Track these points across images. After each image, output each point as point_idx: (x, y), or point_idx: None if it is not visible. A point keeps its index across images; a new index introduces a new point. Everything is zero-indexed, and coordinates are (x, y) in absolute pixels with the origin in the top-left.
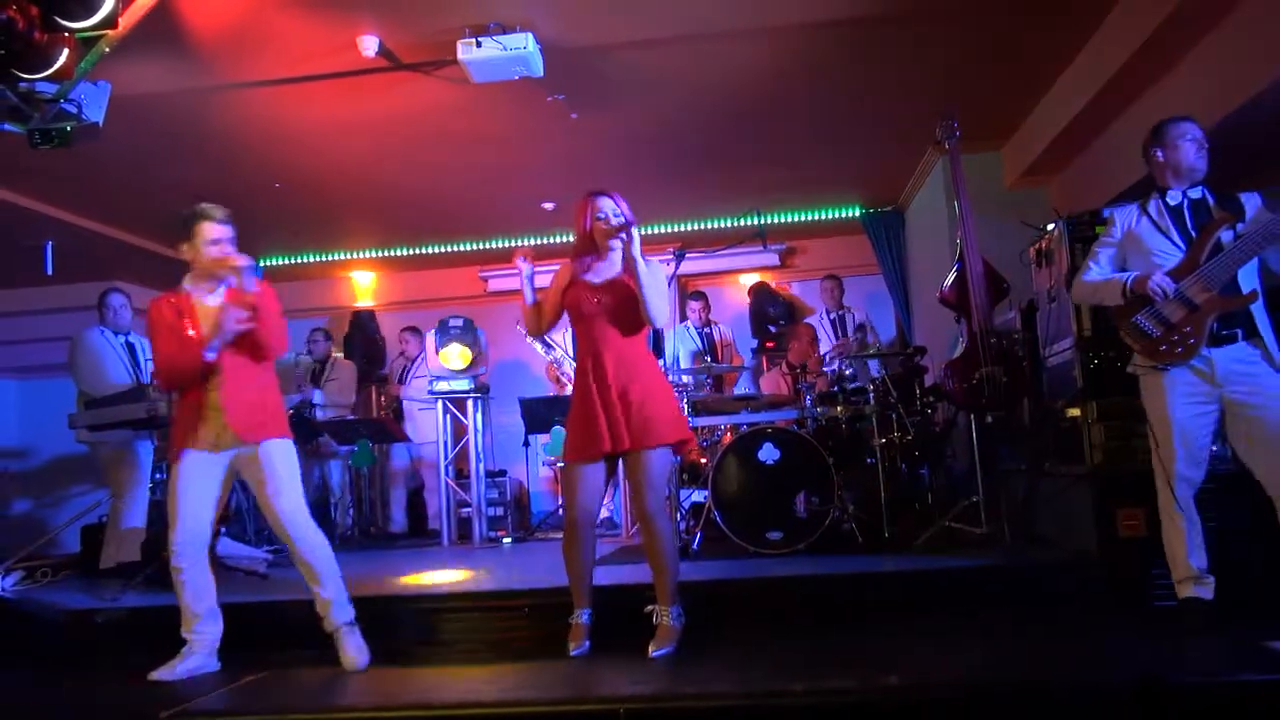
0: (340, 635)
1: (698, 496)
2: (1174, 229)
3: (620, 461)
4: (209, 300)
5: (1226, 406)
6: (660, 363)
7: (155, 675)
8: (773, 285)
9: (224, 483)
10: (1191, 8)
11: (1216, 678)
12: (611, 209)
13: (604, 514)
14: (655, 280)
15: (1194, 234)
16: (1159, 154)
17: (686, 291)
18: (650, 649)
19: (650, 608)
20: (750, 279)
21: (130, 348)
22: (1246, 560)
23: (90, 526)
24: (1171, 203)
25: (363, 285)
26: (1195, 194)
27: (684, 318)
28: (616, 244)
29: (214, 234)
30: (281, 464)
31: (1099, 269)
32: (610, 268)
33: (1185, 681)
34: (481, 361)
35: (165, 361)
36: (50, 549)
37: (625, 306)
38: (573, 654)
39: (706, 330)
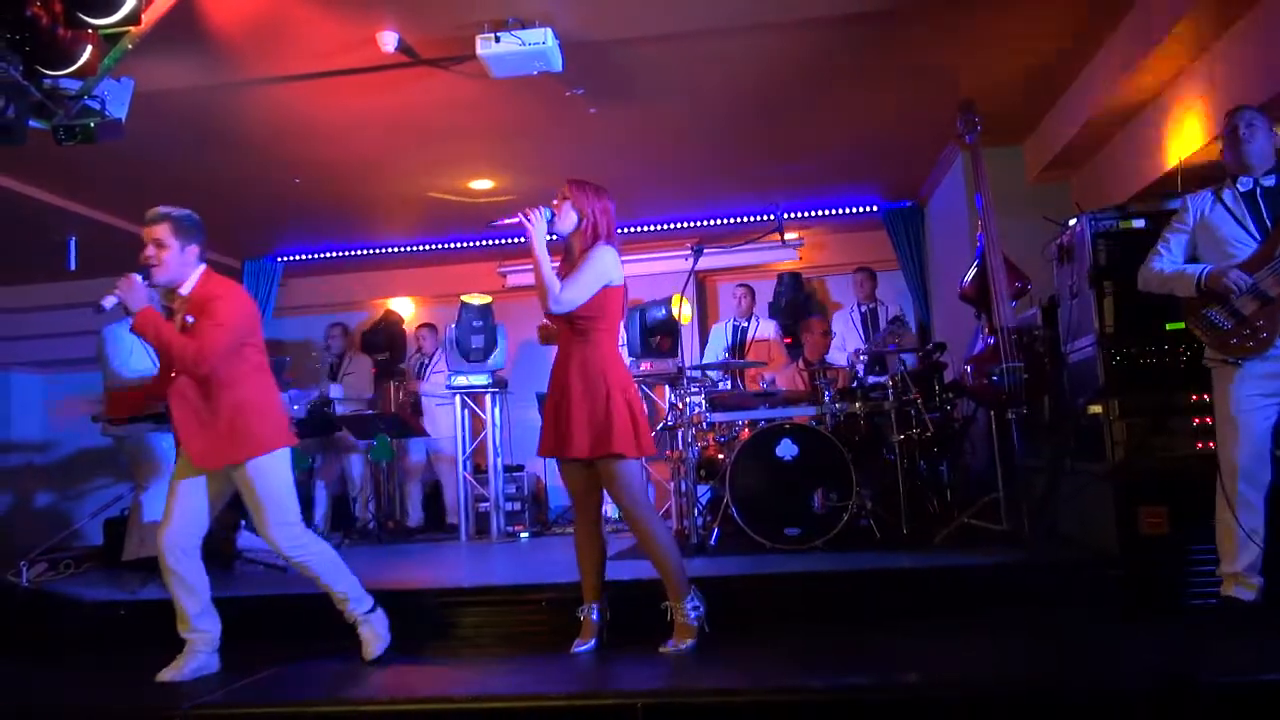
0: (361, 624)
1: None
2: (1249, 218)
3: None
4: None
5: None
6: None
7: (164, 676)
8: (802, 277)
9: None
10: (1215, 2)
11: (1234, 677)
12: (563, 194)
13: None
14: (585, 273)
15: (1270, 224)
16: (1222, 143)
17: (703, 287)
18: (669, 645)
19: (664, 604)
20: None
21: None
22: None
23: (113, 519)
24: (1243, 189)
25: (394, 281)
26: (1269, 181)
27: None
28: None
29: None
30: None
31: (1170, 256)
32: (569, 266)
33: (1204, 681)
34: None
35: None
36: (73, 541)
37: None
38: (575, 650)
39: (743, 325)
